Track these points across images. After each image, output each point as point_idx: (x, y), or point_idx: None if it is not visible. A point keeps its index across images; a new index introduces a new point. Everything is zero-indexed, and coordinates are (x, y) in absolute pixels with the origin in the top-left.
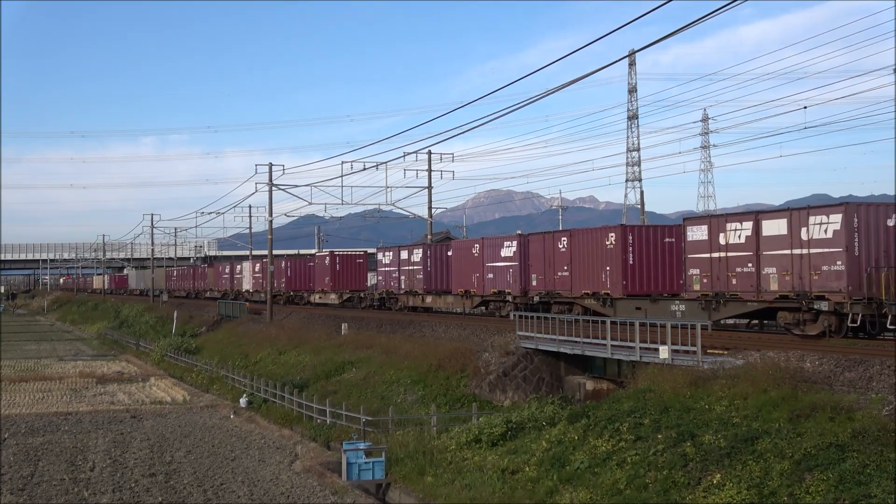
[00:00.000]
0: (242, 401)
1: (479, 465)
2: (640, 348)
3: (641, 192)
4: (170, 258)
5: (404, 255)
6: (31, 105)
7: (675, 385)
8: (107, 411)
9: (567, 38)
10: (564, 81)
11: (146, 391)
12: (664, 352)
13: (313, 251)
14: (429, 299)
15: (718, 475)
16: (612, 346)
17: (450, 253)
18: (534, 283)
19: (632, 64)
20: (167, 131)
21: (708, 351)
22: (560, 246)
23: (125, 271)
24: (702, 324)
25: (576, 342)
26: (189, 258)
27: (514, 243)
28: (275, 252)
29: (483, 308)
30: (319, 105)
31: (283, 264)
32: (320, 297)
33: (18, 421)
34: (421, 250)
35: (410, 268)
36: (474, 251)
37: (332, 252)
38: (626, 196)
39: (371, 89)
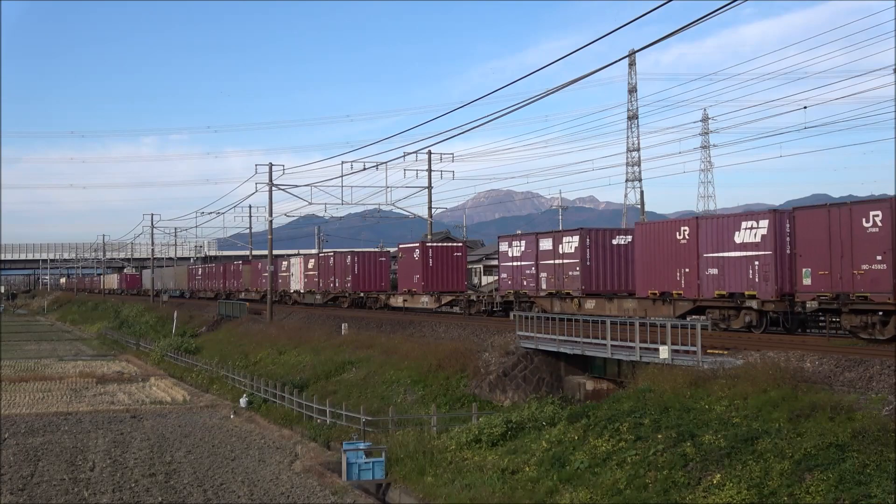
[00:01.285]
0: (242, 401)
1: (479, 465)
2: (640, 348)
3: (641, 192)
4: (170, 258)
5: (545, 244)
6: (31, 105)
7: (675, 385)
8: (107, 411)
9: (567, 38)
10: (564, 81)
11: (146, 391)
12: (664, 352)
13: (313, 251)
14: (590, 304)
15: (718, 475)
16: (612, 346)
17: (623, 240)
18: (806, 280)
19: (632, 64)
20: (167, 131)
21: (708, 351)
22: (867, 223)
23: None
24: (702, 324)
25: (576, 342)
26: (189, 258)
27: (764, 223)
28: (326, 250)
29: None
30: (319, 105)
31: (347, 259)
32: (405, 300)
33: (18, 421)
34: (577, 238)
35: (558, 262)
36: (681, 236)
37: (423, 243)
38: (626, 196)
39: (371, 89)
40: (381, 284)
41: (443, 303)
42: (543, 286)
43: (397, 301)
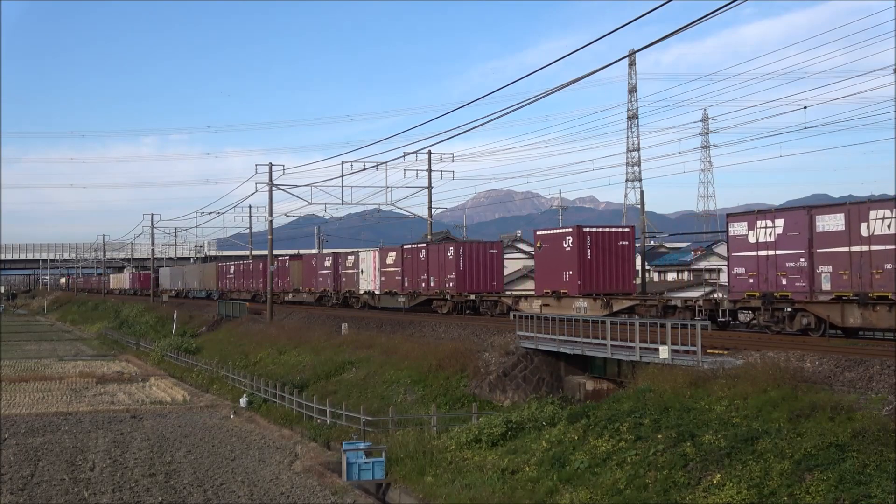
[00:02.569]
0: (242, 401)
1: (479, 465)
2: (640, 348)
3: (641, 192)
4: (170, 258)
5: (829, 222)
6: (31, 105)
7: (675, 385)
8: (107, 411)
9: (568, 37)
10: (564, 81)
11: (146, 391)
12: (664, 352)
13: (313, 251)
14: None
15: (718, 475)
16: (612, 346)
17: None
18: None
19: (632, 64)
20: (167, 131)
21: (708, 351)
22: None
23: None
24: (702, 323)
25: (576, 342)
26: (189, 258)
27: None
28: (415, 243)
29: None
30: (319, 105)
31: (449, 252)
32: (546, 306)
33: (18, 421)
34: None
35: (858, 249)
36: None
37: (579, 227)
38: (626, 196)
39: (371, 89)
40: (492, 284)
41: (615, 310)
42: (825, 286)
43: (533, 306)
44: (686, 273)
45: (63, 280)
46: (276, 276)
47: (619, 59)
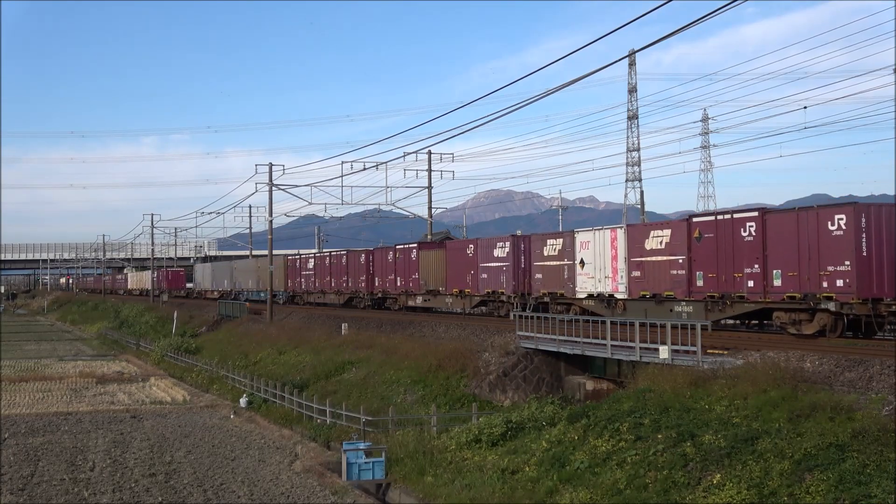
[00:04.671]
0: (242, 401)
1: (479, 465)
2: (640, 348)
3: (641, 192)
4: (170, 258)
5: None
6: (31, 105)
7: (675, 385)
8: (107, 411)
9: (568, 37)
10: (565, 81)
11: (146, 391)
12: (664, 352)
13: (313, 251)
14: None
15: (718, 475)
16: (612, 346)
17: None
18: None
19: (632, 64)
20: (167, 131)
21: (708, 351)
22: None
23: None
24: (702, 324)
25: (576, 342)
26: (189, 258)
27: None
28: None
29: None
30: (319, 105)
31: (832, 223)
32: None
33: (18, 421)
34: None
35: None
36: None
37: None
38: (626, 196)
39: (371, 89)
40: None
41: None
42: None
43: None
44: None
45: (63, 280)
46: (394, 272)
47: (620, 59)
